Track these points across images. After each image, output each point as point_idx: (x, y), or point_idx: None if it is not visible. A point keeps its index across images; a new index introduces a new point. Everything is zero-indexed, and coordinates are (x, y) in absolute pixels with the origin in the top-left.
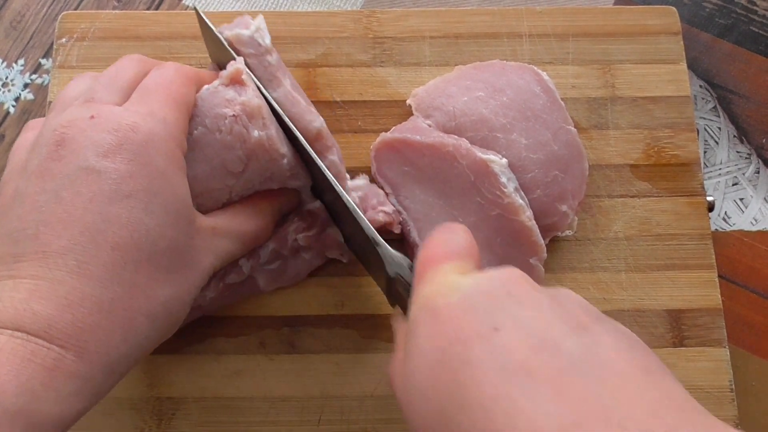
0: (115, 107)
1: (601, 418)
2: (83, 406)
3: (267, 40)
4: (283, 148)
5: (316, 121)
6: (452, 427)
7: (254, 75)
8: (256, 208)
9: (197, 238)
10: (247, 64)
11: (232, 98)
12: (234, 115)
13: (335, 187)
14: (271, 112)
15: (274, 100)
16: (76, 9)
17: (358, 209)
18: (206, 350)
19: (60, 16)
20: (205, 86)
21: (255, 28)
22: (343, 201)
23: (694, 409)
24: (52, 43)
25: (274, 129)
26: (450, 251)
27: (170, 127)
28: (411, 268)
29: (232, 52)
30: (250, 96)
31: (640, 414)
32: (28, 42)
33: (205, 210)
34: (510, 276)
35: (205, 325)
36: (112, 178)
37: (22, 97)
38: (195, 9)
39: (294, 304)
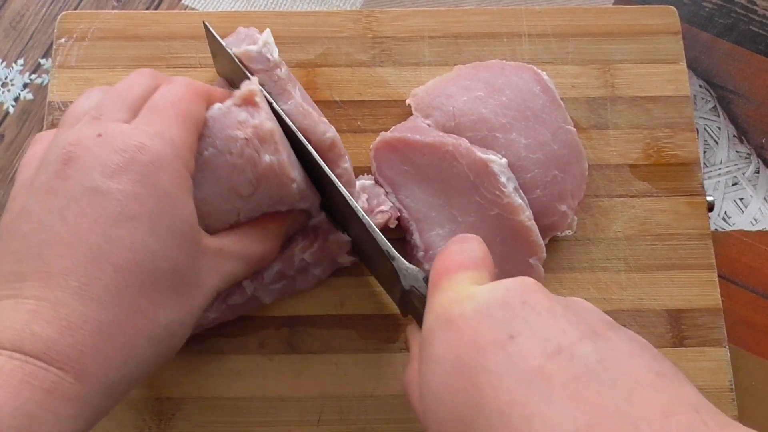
0: (123, 125)
1: (615, 420)
2: (81, 428)
3: (275, 54)
4: (294, 173)
5: (329, 131)
6: None
7: (264, 89)
8: (263, 230)
9: (202, 260)
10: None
11: (244, 120)
12: (246, 138)
13: (348, 200)
14: (283, 136)
15: (285, 113)
16: (75, 9)
17: (371, 222)
18: (206, 350)
19: (59, 16)
20: (217, 105)
21: (263, 43)
22: (356, 214)
23: (707, 409)
24: (51, 43)
25: (285, 154)
26: (464, 261)
27: (178, 147)
28: (425, 280)
29: (246, 71)
30: (263, 119)
31: (654, 415)
32: (28, 42)
33: (211, 230)
34: (524, 285)
35: None
36: (117, 200)
37: (22, 97)
38: (205, 25)
39: (293, 305)
